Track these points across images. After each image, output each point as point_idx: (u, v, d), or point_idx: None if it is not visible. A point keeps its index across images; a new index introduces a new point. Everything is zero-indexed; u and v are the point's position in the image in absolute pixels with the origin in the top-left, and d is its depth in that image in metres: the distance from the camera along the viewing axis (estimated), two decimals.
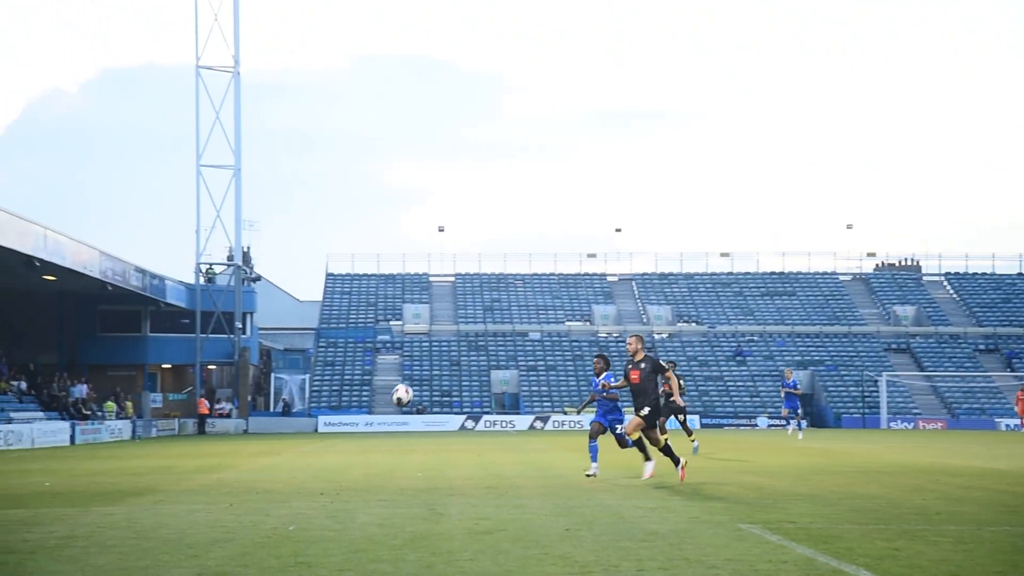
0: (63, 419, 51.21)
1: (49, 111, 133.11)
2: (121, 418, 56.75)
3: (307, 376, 70.75)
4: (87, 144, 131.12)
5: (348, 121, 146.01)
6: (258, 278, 72.13)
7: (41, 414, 51.35)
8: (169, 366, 69.20)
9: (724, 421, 66.54)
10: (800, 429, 41.39)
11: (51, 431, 47.37)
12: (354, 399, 69.08)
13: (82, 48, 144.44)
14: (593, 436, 19.33)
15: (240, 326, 68.00)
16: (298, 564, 10.54)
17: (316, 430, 62.50)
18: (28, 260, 44.19)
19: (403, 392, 20.75)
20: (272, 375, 71.15)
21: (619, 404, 20.09)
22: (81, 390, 56.67)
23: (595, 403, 19.89)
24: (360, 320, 76.79)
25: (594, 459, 19.38)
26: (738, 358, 74.26)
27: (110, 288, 54.93)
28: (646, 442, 18.61)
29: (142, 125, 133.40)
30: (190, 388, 67.53)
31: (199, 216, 67.34)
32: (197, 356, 66.71)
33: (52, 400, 54.12)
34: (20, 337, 61.43)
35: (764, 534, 12.20)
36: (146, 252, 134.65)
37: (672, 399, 25.84)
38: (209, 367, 69.84)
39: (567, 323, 77.66)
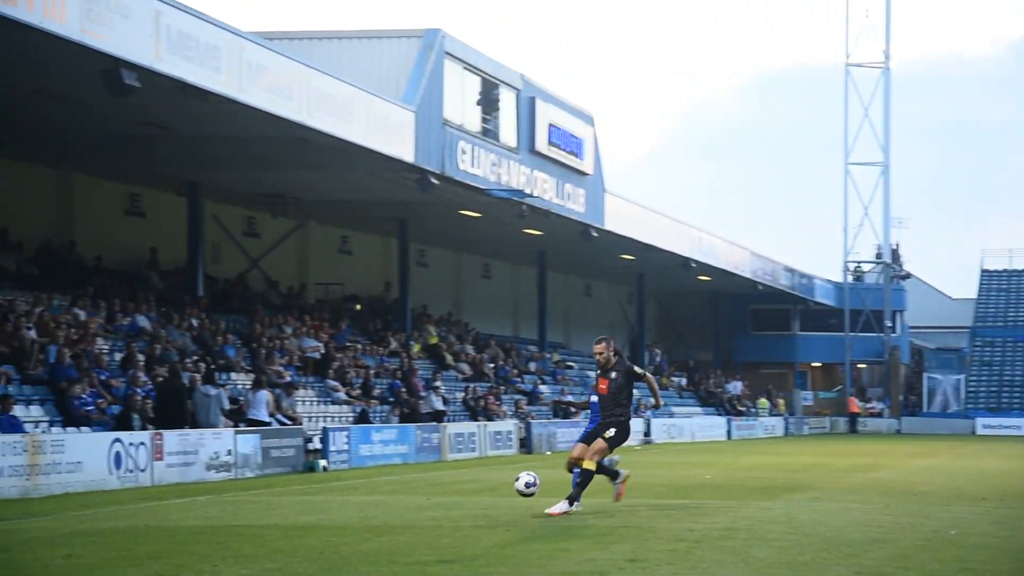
0: (720, 415, 53.29)
1: (706, 118, 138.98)
2: (774, 415, 58.00)
3: (962, 376, 68.08)
4: (738, 147, 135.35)
5: (1005, 110, 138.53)
6: (907, 276, 70.58)
7: (699, 409, 53.78)
8: (818, 364, 69.63)
9: None
10: None
11: (709, 426, 49.49)
12: (1015, 401, 65.56)
13: (737, 55, 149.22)
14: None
15: (890, 324, 66.98)
16: (962, 570, 10.22)
17: (973, 432, 59.92)
18: (685, 262, 46.48)
19: (523, 483, 14.61)
20: (924, 375, 69.25)
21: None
22: (736, 387, 58.63)
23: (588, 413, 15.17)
24: (1020, 319, 72.67)
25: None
26: None
27: (760, 287, 56.36)
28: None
29: (791, 127, 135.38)
30: (840, 387, 67.53)
31: (846, 214, 67.25)
32: (847, 355, 66.57)
33: (709, 396, 56.50)
34: (680, 335, 64.80)
35: None
36: (793, 251, 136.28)
37: None
38: (859, 366, 69.43)
39: None
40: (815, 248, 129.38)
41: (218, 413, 23.99)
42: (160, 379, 24.03)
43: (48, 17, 17.11)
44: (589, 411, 15.15)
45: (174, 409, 23.06)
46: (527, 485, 14.32)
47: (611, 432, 14.20)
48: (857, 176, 67.52)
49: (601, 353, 14.40)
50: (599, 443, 14.15)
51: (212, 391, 24.11)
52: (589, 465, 14.14)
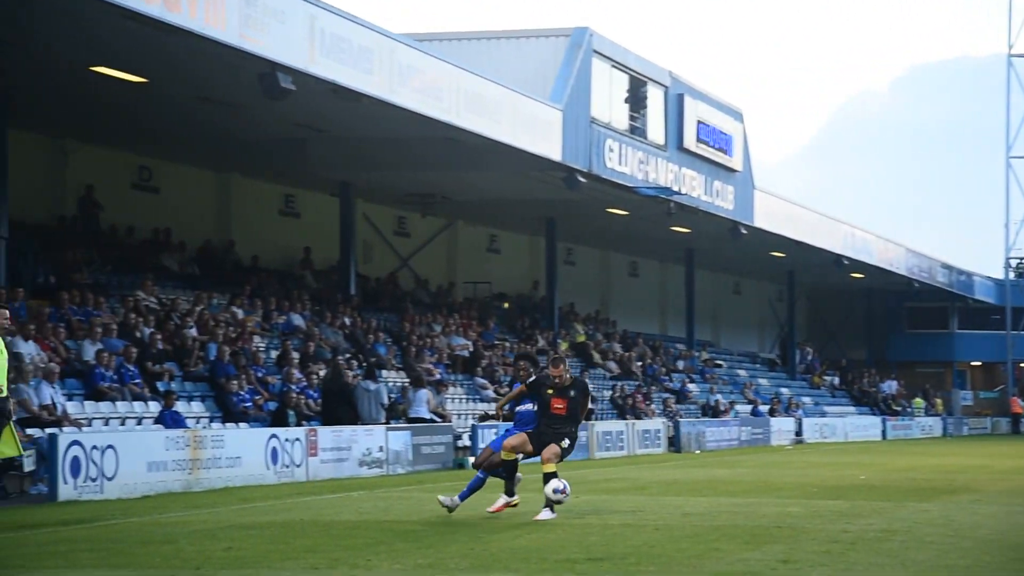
0: (874, 414, 52.21)
1: (859, 112, 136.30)
2: (931, 415, 56.59)
3: None
4: (893, 142, 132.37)
5: None
6: None
7: (853, 409, 52.77)
8: (978, 363, 67.77)
9: None
10: None
11: (863, 426, 48.52)
12: None
13: (893, 47, 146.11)
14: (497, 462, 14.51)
15: None
16: None
17: None
18: (837, 259, 45.60)
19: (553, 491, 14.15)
20: None
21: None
22: (890, 386, 57.36)
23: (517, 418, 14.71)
24: None
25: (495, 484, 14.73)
26: None
27: (916, 285, 55.02)
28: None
29: (948, 119, 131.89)
30: (1002, 386, 65.61)
31: (1008, 210, 65.37)
32: (1008, 353, 64.65)
33: (863, 395, 55.39)
34: (832, 334, 63.67)
35: None
36: (951, 248, 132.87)
37: None
38: (1021, 365, 67.38)
39: None
40: (974, 244, 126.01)
41: (379, 408, 24.48)
42: (322, 378, 24.53)
43: (209, 23, 17.63)
44: (513, 421, 14.75)
45: (341, 407, 23.55)
46: (564, 494, 14.05)
47: (566, 443, 14.26)
48: (1020, 170, 65.62)
49: (560, 376, 14.29)
50: (555, 448, 14.14)
51: (372, 386, 24.59)
52: (549, 468, 14.05)
